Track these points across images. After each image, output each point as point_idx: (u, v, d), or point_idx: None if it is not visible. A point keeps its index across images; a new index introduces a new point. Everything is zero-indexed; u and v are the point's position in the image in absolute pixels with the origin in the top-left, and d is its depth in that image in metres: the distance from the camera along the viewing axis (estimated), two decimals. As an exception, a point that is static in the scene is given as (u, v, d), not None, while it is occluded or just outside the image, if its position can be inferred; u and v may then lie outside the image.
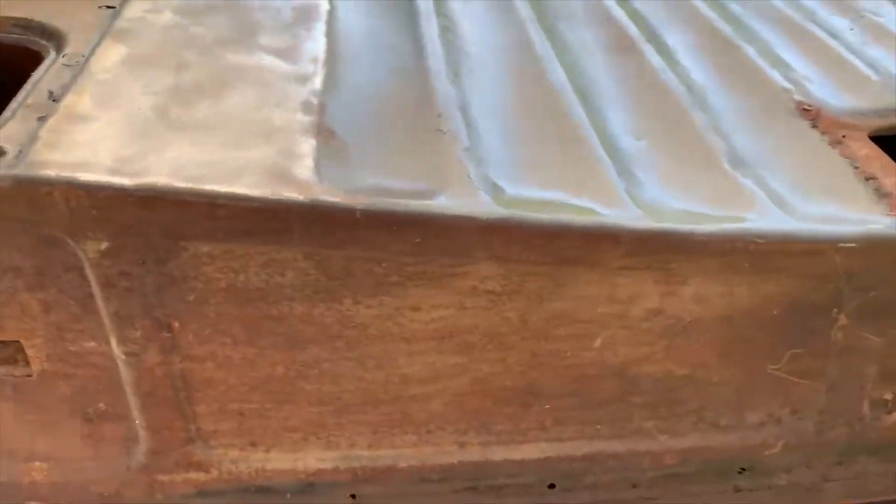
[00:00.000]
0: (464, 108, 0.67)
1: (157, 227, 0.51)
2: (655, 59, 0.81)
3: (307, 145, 0.57)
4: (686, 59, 0.82)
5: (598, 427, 0.65)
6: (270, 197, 0.51)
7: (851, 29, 0.96)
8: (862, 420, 0.67)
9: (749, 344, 0.62)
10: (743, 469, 0.68)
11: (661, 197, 0.60)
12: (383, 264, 0.55)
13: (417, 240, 0.53)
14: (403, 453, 0.64)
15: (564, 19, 0.88)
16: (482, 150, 0.62)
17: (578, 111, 0.70)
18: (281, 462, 0.64)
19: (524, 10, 0.87)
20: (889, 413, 0.67)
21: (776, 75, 0.80)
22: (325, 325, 0.57)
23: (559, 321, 0.59)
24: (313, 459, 0.64)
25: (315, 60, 0.69)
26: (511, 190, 0.57)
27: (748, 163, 0.66)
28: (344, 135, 0.60)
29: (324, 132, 0.59)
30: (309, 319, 0.57)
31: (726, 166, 0.65)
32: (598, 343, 0.61)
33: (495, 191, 0.57)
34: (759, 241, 0.56)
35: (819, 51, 0.87)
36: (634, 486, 0.68)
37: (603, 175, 0.62)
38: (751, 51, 0.84)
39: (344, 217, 0.52)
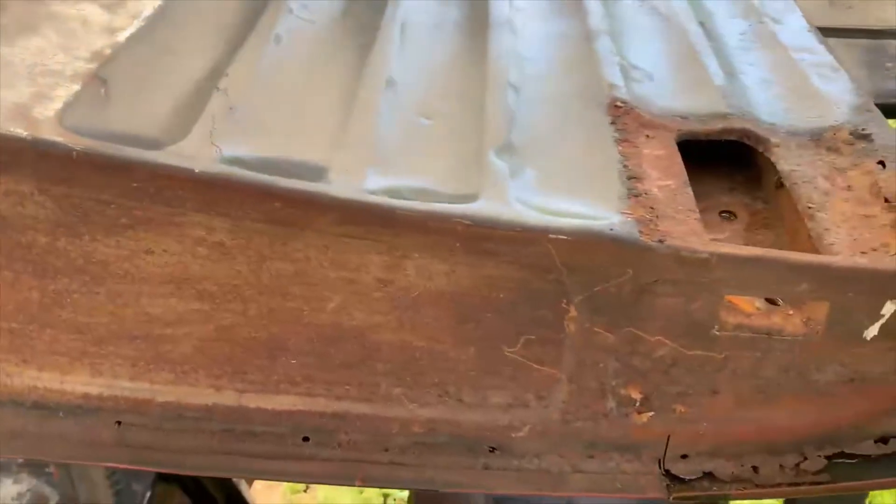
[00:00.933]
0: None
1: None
2: (507, 39, 0.83)
3: (65, 90, 0.61)
4: (531, 47, 0.83)
5: (347, 388, 0.68)
6: (-1, 131, 0.56)
7: (743, 34, 0.95)
8: (608, 416, 0.67)
9: (480, 324, 0.64)
10: (493, 448, 0.70)
11: (404, 177, 0.62)
12: (112, 206, 0.59)
13: (134, 185, 0.57)
14: (161, 389, 0.68)
15: None
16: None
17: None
18: (51, 382, 0.69)
19: None
20: (639, 413, 0.67)
21: (613, 71, 0.80)
22: (70, 259, 0.62)
23: (290, 280, 0.62)
24: (80, 384, 0.69)
25: (135, 16, 0.73)
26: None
27: (518, 149, 0.67)
28: (115, 84, 0.64)
29: (93, 80, 0.63)
30: (53, 251, 0.61)
31: (491, 150, 0.66)
32: (332, 306, 0.64)
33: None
34: (465, 222, 0.58)
35: (679, 51, 0.87)
36: (386, 449, 0.70)
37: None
38: (604, 43, 0.84)
39: (63, 156, 0.56)
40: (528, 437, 0.69)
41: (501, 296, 0.62)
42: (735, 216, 0.75)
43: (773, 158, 0.73)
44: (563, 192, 0.64)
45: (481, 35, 0.84)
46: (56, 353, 0.68)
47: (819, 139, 0.75)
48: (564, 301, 0.62)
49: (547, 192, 0.63)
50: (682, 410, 0.67)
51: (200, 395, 0.69)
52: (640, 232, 0.59)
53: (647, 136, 0.73)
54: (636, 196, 0.63)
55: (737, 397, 0.66)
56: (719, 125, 0.75)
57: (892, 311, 0.60)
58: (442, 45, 0.82)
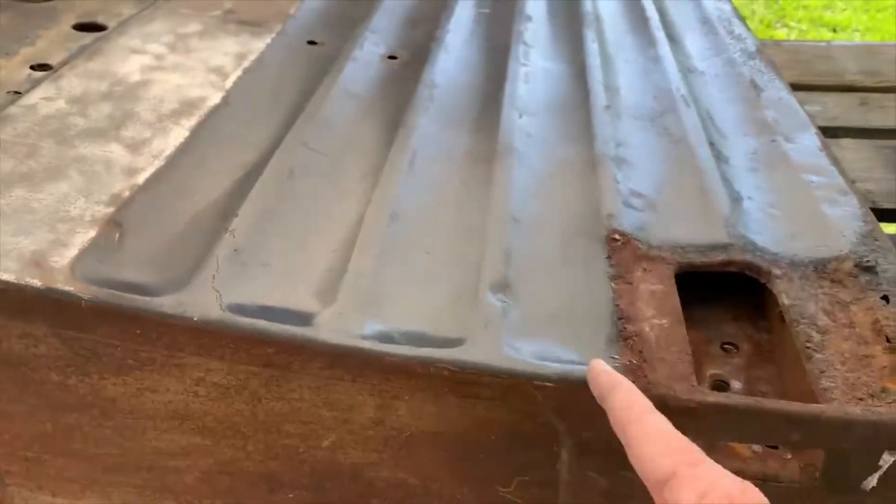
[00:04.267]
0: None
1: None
2: (512, 166, 0.85)
3: (81, 237, 0.66)
4: (536, 175, 0.85)
5: (344, 522, 0.69)
6: (12, 280, 0.60)
7: (753, 153, 0.96)
8: (606, 557, 0.67)
9: (473, 464, 0.64)
10: (491, 585, 0.69)
11: (398, 319, 0.64)
12: (118, 348, 0.62)
13: (138, 331, 0.61)
14: (168, 519, 0.70)
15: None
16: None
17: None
18: (64, 508, 0.72)
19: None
20: (638, 553, 0.66)
21: (614, 199, 0.81)
22: (80, 395, 0.65)
23: (286, 418, 0.64)
24: (90, 509, 0.71)
25: (156, 156, 0.78)
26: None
27: (513, 286, 0.69)
28: (129, 229, 0.68)
29: (109, 225, 0.68)
30: (65, 388, 0.65)
31: (487, 287, 0.68)
32: (327, 443, 0.65)
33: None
34: (451, 368, 0.59)
35: (685, 176, 0.88)
36: (383, 583, 0.70)
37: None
38: (608, 168, 0.86)
39: (73, 305, 0.60)
40: (526, 576, 0.68)
41: (493, 437, 0.63)
42: (737, 348, 0.74)
43: (775, 291, 0.73)
44: (554, 335, 0.65)
45: (487, 163, 0.86)
46: (68, 479, 0.70)
47: (822, 270, 0.75)
48: (555, 444, 0.62)
49: (538, 335, 0.64)
50: (682, 553, 0.66)
51: (204, 524, 0.71)
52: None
53: (645, 269, 0.73)
54: (625, 339, 0.64)
55: (737, 542, 0.65)
56: (720, 257, 0.75)
57: (891, 462, 0.59)
58: (449, 175, 0.85)
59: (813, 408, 0.59)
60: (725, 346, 0.75)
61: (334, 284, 0.66)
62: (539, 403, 0.60)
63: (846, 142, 1.42)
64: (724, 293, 0.78)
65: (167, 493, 0.70)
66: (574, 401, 0.60)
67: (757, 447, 0.65)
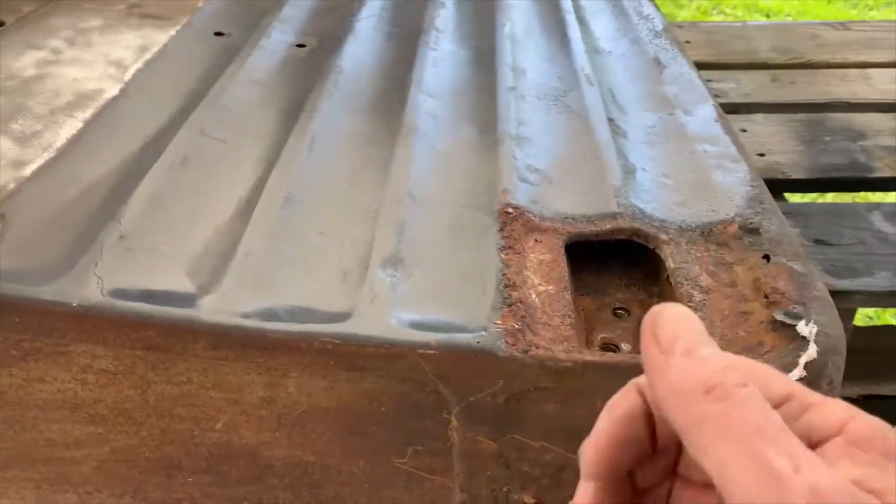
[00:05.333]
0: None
1: None
2: (414, 146, 0.86)
3: (-40, 228, 0.65)
4: (437, 155, 0.87)
5: None
6: None
7: (652, 127, 0.98)
8: (504, 521, 0.68)
9: (367, 437, 0.65)
10: (396, 557, 0.70)
11: (285, 297, 0.65)
12: (0, 340, 0.61)
13: (17, 320, 0.60)
14: (68, 511, 0.70)
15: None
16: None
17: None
18: (-39, 506, 0.71)
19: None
20: (535, 517, 0.68)
21: (511, 175, 0.82)
22: (-33, 389, 0.64)
23: (176, 402, 0.64)
24: (-12, 507, 0.70)
25: (47, 147, 0.77)
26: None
27: (404, 260, 0.70)
28: (13, 220, 0.67)
29: (-9, 216, 0.67)
30: (-49, 382, 0.64)
31: (377, 263, 0.69)
32: (220, 425, 0.65)
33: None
34: (335, 342, 0.60)
35: (582, 151, 0.90)
36: (290, 563, 0.71)
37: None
38: (508, 147, 0.87)
39: (-51, 296, 0.59)
40: (429, 546, 0.69)
41: (384, 409, 0.64)
42: (629, 313, 0.76)
43: (662, 255, 0.75)
44: (442, 305, 0.66)
45: (389, 144, 0.87)
46: (-36, 477, 0.70)
47: (709, 234, 0.77)
48: (445, 411, 0.64)
49: (425, 306, 0.65)
50: (577, 513, 0.68)
51: (105, 515, 0.70)
52: (507, 343, 0.61)
53: (536, 240, 0.75)
54: (509, 306, 0.65)
55: (629, 499, 0.67)
56: (609, 225, 0.77)
57: (763, 410, 0.61)
58: (350, 157, 0.85)
59: (686, 362, 0.61)
60: (618, 311, 0.77)
61: (222, 266, 0.66)
62: (424, 372, 0.61)
63: (758, 117, 1.46)
64: (618, 261, 0.80)
65: (65, 485, 0.69)
66: (458, 367, 0.61)
67: (643, 405, 0.66)
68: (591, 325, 0.76)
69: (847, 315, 1.09)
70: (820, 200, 1.32)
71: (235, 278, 0.65)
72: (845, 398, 0.92)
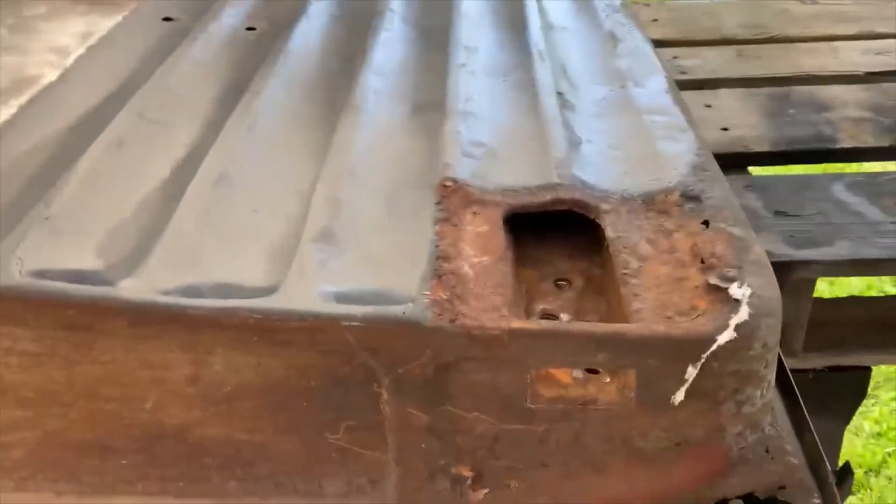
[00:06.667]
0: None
1: None
2: (357, 124, 0.85)
3: None
4: (380, 133, 0.86)
5: (181, 484, 0.68)
6: None
7: (602, 100, 0.97)
8: (443, 497, 0.67)
9: (298, 413, 0.64)
10: (336, 536, 0.70)
11: (210, 273, 0.64)
12: (-80, 324, 0.60)
13: (-67, 302, 0.59)
14: (5, 497, 0.69)
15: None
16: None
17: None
18: None
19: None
20: (474, 490, 0.67)
21: (454, 150, 0.81)
22: None
23: (103, 383, 0.63)
24: (-77, 497, 0.69)
25: (-23, 129, 0.76)
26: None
27: (337, 236, 0.69)
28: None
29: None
30: None
31: (308, 238, 0.68)
32: (149, 405, 0.64)
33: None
34: (256, 316, 0.59)
35: (528, 125, 0.89)
36: (232, 545, 0.70)
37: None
38: (454, 123, 0.86)
39: None
40: (368, 523, 0.69)
41: (313, 384, 0.63)
42: (570, 284, 0.75)
43: (603, 225, 0.74)
44: (372, 278, 0.65)
45: (333, 123, 0.86)
46: None
47: (651, 203, 0.76)
48: (375, 384, 0.63)
49: (355, 279, 0.65)
50: (516, 485, 0.67)
51: (43, 499, 0.69)
52: (434, 313, 0.60)
53: (475, 212, 0.74)
54: (440, 276, 0.64)
55: (566, 469, 0.66)
56: (549, 196, 0.76)
57: (694, 374, 0.60)
58: (292, 136, 0.84)
59: (614, 327, 0.60)
60: (559, 282, 0.76)
61: (148, 245, 0.65)
62: (351, 344, 0.60)
63: (723, 92, 1.45)
64: (562, 233, 0.79)
65: (1, 471, 0.68)
66: (385, 339, 0.60)
67: (578, 373, 0.66)
68: (532, 296, 0.75)
69: (807, 285, 1.08)
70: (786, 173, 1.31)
71: (161, 257, 0.64)
72: (810, 370, 0.92)
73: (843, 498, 1.47)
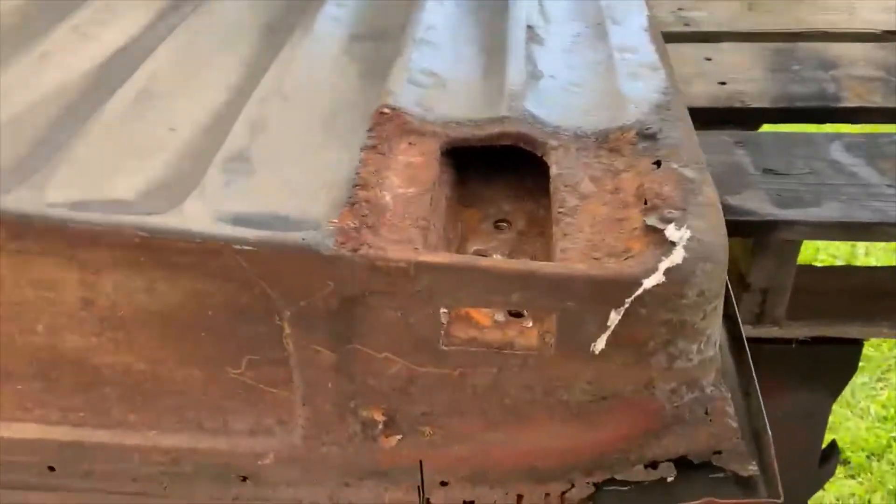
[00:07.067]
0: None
1: None
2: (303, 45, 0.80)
3: None
4: (325, 56, 0.80)
5: (82, 414, 0.65)
6: None
7: (577, 35, 0.91)
8: (353, 440, 0.63)
9: (197, 344, 0.60)
10: (244, 478, 0.66)
11: (109, 189, 0.60)
12: None
13: None
14: None
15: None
16: None
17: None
18: None
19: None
20: (386, 436, 0.63)
21: (400, 78, 0.76)
22: None
23: (-9, 300, 0.59)
24: None
25: None
26: None
27: (253, 158, 0.64)
28: None
29: None
30: None
31: (220, 159, 0.63)
32: (41, 328, 0.61)
33: None
34: (141, 234, 0.54)
35: (489, 56, 0.83)
36: (134, 479, 0.67)
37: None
38: (409, 52, 0.80)
39: None
40: (275, 465, 0.65)
41: (211, 313, 0.59)
42: (510, 225, 0.70)
43: (549, 162, 0.68)
44: (279, 203, 0.60)
45: (275, 39, 0.81)
46: None
47: (604, 141, 0.70)
48: (277, 317, 0.58)
49: (260, 202, 0.60)
50: (431, 433, 0.62)
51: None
52: (336, 241, 0.55)
53: (410, 142, 0.69)
54: (353, 204, 0.59)
55: (486, 418, 0.61)
56: (495, 129, 0.70)
57: (618, 320, 0.55)
58: (228, 57, 0.79)
59: (529, 264, 0.55)
60: (500, 223, 0.71)
61: (48, 157, 0.61)
62: (245, 270, 0.56)
63: (726, 45, 1.36)
64: (511, 172, 0.74)
65: None
66: (282, 266, 0.55)
67: (500, 316, 0.61)
68: (468, 236, 0.70)
69: (791, 248, 1.01)
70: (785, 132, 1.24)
71: (57, 169, 0.60)
72: (793, 340, 0.85)
73: (827, 478, 1.41)
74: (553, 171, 0.67)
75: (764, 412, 0.62)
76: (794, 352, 1.11)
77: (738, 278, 1.08)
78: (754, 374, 0.65)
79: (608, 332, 0.55)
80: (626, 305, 0.54)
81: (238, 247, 0.54)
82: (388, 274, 0.55)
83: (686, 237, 0.57)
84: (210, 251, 0.55)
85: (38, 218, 0.55)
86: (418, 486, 0.65)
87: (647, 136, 0.70)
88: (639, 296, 0.54)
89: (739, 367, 0.67)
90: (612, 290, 0.54)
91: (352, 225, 0.57)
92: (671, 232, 0.57)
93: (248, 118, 0.68)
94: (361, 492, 0.65)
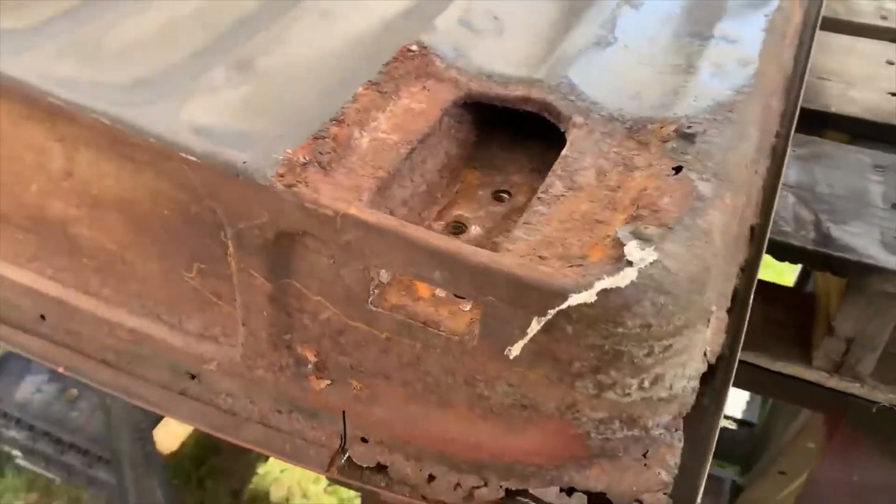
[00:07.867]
0: None
1: None
2: None
3: None
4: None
5: (68, 276, 0.69)
6: None
7: (682, 7, 0.80)
8: (285, 372, 0.62)
9: (155, 239, 0.61)
10: (193, 376, 0.68)
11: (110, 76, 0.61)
12: None
13: None
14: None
15: None
16: None
17: None
18: None
19: None
20: (317, 378, 0.62)
21: (448, 18, 0.71)
22: None
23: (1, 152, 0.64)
24: None
25: None
26: None
27: (255, 69, 0.63)
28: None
29: None
30: None
31: (223, 63, 0.62)
32: (34, 189, 0.64)
33: None
34: (103, 121, 0.55)
35: (557, 12, 0.75)
36: (103, 348, 0.71)
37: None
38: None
39: None
40: (217, 373, 0.66)
41: (166, 213, 0.59)
42: (510, 196, 0.64)
43: (567, 138, 0.62)
44: (253, 122, 0.58)
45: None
46: None
47: (636, 131, 0.62)
48: (222, 233, 0.58)
49: (235, 117, 0.58)
50: (358, 387, 0.60)
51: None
52: (277, 172, 0.53)
53: (424, 87, 0.64)
54: (318, 139, 0.56)
55: (409, 389, 0.58)
56: (520, 92, 0.64)
57: (537, 330, 0.49)
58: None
59: (456, 245, 0.50)
60: (501, 193, 0.65)
61: (53, 37, 0.63)
62: (191, 179, 0.55)
63: None
64: (537, 141, 0.68)
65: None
66: (223, 185, 0.54)
67: (442, 293, 0.56)
68: (457, 199, 0.65)
69: (889, 301, 0.86)
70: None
71: (60, 45, 0.62)
72: (875, 403, 0.73)
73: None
74: (566, 150, 0.60)
75: (702, 476, 0.54)
76: (872, 415, 0.97)
77: (826, 318, 0.94)
78: (714, 431, 0.57)
79: (526, 339, 0.50)
80: (549, 317, 0.48)
81: (183, 155, 0.54)
82: (317, 218, 0.52)
83: (649, 260, 0.49)
84: (160, 153, 0.55)
85: (24, 86, 0.57)
86: (341, 434, 0.63)
87: (685, 135, 0.61)
88: (563, 310, 0.48)
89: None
90: (535, 295, 0.48)
91: (301, 159, 0.54)
92: (631, 250, 0.49)
93: (269, 28, 0.67)
94: (291, 423, 0.65)
